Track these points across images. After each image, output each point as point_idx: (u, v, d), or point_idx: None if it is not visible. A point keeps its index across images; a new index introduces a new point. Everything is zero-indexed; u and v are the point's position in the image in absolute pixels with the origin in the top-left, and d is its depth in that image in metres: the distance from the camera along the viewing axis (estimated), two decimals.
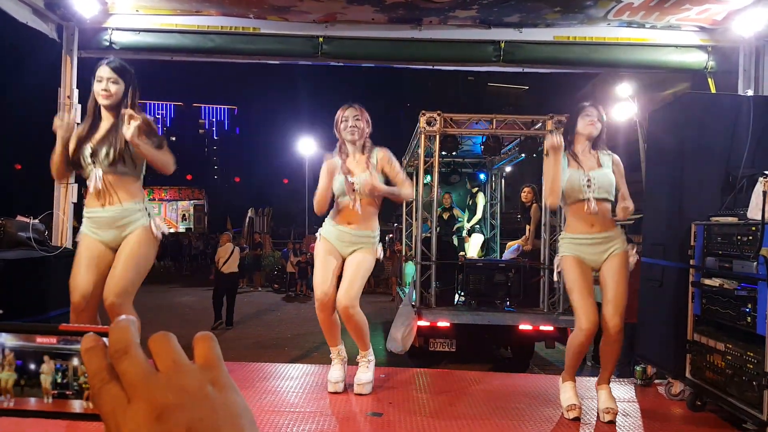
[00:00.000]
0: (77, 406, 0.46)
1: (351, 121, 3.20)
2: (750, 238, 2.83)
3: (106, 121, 2.80)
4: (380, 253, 3.35)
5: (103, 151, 2.71)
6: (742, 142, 3.34)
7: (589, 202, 3.00)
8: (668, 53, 4.56)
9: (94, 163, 2.72)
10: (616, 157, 3.17)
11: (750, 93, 4.08)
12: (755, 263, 2.74)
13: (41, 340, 0.46)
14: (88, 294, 2.71)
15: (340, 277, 3.27)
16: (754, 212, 2.85)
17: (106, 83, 2.74)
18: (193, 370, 0.43)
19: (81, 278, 2.72)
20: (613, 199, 3.10)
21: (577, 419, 2.98)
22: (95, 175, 2.71)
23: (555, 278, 3.32)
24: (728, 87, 4.49)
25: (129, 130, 2.59)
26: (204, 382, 0.43)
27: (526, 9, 4.21)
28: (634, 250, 3.15)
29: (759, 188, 2.81)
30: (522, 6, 4.14)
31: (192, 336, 0.46)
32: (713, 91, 4.49)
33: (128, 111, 2.63)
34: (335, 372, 3.34)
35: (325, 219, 3.35)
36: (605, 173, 3.07)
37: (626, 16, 4.25)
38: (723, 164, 3.40)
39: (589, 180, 3.02)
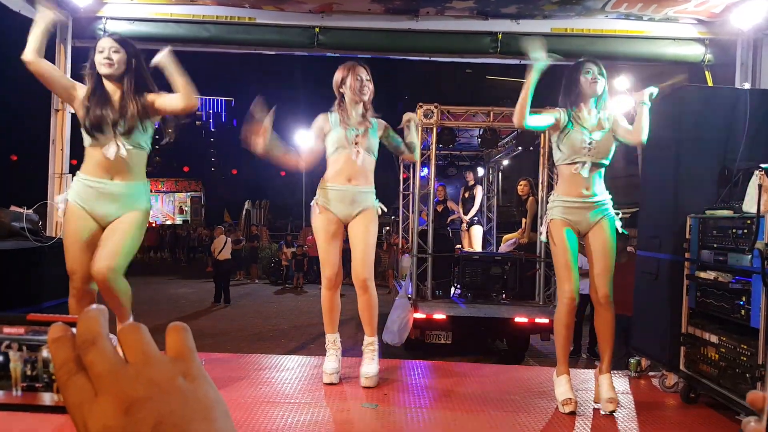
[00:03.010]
0: (47, 398, 0.45)
1: (364, 81, 3.16)
2: (745, 231, 2.83)
3: (115, 94, 2.74)
4: (380, 210, 3.27)
5: (122, 122, 2.68)
6: (738, 135, 3.33)
7: (586, 165, 2.95)
8: (666, 46, 4.54)
9: (115, 133, 2.68)
10: (617, 113, 3.08)
11: (747, 86, 4.07)
12: (750, 256, 2.74)
13: (9, 331, 0.44)
14: (86, 276, 2.67)
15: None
16: (749, 205, 2.84)
17: (108, 52, 2.70)
18: (163, 361, 0.42)
19: (76, 261, 2.68)
20: (608, 164, 3.04)
21: (572, 413, 2.97)
22: (118, 145, 2.66)
23: (542, 239, 3.27)
24: (726, 80, 4.47)
25: (159, 56, 2.69)
26: (175, 374, 0.41)
27: (524, 0, 4.18)
28: (619, 216, 3.10)
29: (754, 181, 2.80)
30: None
31: (189, 326, 0.45)
32: (710, 84, 4.47)
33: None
34: (331, 363, 3.30)
35: (319, 186, 3.25)
36: (608, 137, 2.99)
37: (624, 8, 4.23)
38: (719, 157, 3.40)
39: (590, 142, 2.95)
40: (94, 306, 0.43)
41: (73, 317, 0.43)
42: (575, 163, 2.97)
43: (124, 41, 2.78)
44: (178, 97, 2.75)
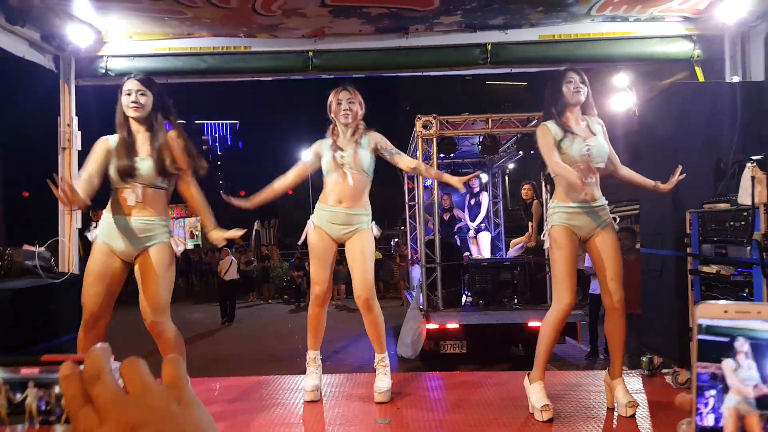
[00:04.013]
0: (59, 430, 0.51)
1: (345, 104, 3.21)
2: (742, 223, 2.86)
3: (141, 135, 2.85)
4: (377, 231, 3.31)
5: (145, 165, 2.78)
6: (730, 128, 3.37)
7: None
8: (654, 45, 4.59)
9: (135, 177, 2.78)
10: (603, 124, 3.11)
11: (736, 79, 4.10)
12: (749, 248, 2.77)
13: (25, 371, 0.51)
14: (97, 312, 2.76)
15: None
16: (743, 197, 2.88)
17: (135, 95, 2.79)
18: (159, 390, 0.48)
19: (90, 298, 2.77)
20: (604, 166, 3.05)
21: (551, 420, 2.91)
22: (137, 191, 2.77)
23: (545, 246, 3.27)
24: (718, 74, 4.51)
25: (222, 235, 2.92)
26: (170, 401, 0.48)
27: (510, 11, 4.26)
28: (617, 222, 3.12)
29: (747, 173, 2.84)
30: (505, 8, 4.20)
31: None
32: (701, 79, 4.51)
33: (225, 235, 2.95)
34: (311, 380, 3.33)
35: (315, 205, 3.33)
36: (600, 142, 3.02)
37: (609, 11, 4.29)
38: (714, 151, 3.43)
39: (588, 149, 2.96)
40: (99, 345, 0.50)
41: (80, 356, 0.50)
42: (578, 171, 2.93)
43: (149, 81, 2.87)
44: (192, 200, 2.94)
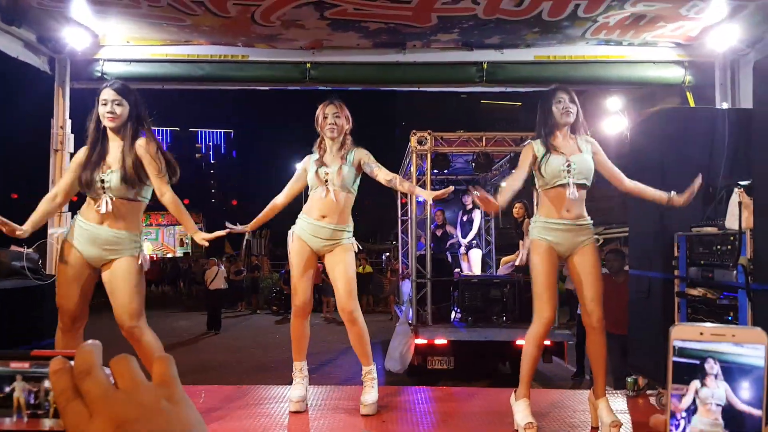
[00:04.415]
0: (48, 424, 0.51)
1: (330, 118, 3.23)
2: (729, 247, 2.90)
3: (114, 143, 2.83)
4: (356, 248, 3.32)
5: (115, 177, 2.75)
6: (719, 153, 3.42)
7: (569, 187, 2.95)
8: (646, 69, 4.67)
9: (104, 189, 2.76)
10: (596, 142, 3.10)
11: (726, 106, 4.18)
12: (735, 272, 2.80)
13: (15, 365, 0.51)
14: (75, 315, 2.77)
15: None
16: (731, 222, 2.92)
17: (111, 105, 2.77)
18: (149, 387, 0.49)
19: (66, 299, 2.77)
20: (590, 185, 3.04)
21: None
22: (105, 201, 2.75)
23: (524, 260, 3.30)
24: (708, 100, 4.59)
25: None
26: (159, 398, 0.48)
27: (506, 30, 4.33)
28: (599, 243, 3.12)
29: (735, 199, 2.88)
30: (501, 28, 4.27)
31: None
32: (692, 104, 4.59)
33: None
34: (297, 391, 3.33)
35: (299, 216, 3.34)
36: (585, 159, 3.01)
37: (603, 34, 4.37)
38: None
39: (569, 164, 2.95)
40: (90, 341, 0.50)
41: (71, 351, 0.50)
42: (558, 186, 2.99)
43: (125, 91, 2.85)
44: (165, 200, 2.91)
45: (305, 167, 3.35)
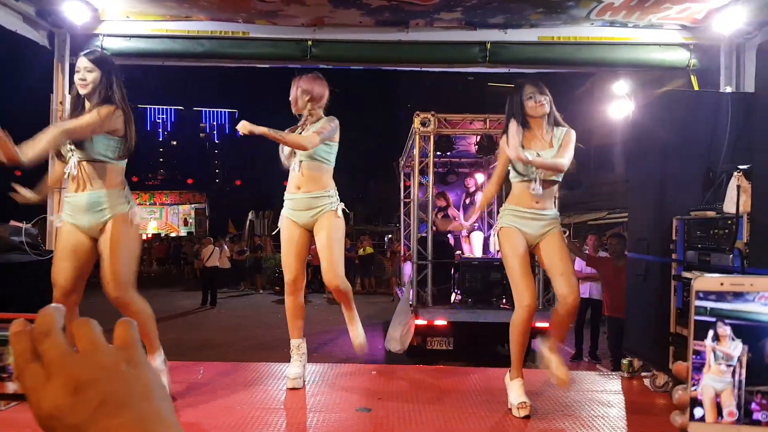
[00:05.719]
0: (11, 387, 0.52)
1: (298, 93, 3.28)
2: (726, 231, 2.89)
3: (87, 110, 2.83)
4: (340, 212, 3.25)
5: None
6: (721, 138, 3.39)
7: (535, 182, 2.96)
8: (651, 51, 4.61)
9: (72, 151, 2.77)
10: (570, 131, 3.05)
11: (729, 90, 4.13)
12: (731, 256, 2.80)
13: None
14: (68, 290, 2.76)
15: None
16: (729, 206, 2.90)
17: (82, 72, 2.77)
18: (109, 349, 0.49)
19: (60, 273, 2.77)
20: (560, 179, 3.04)
21: (527, 417, 2.93)
22: (72, 164, 2.77)
23: (494, 246, 3.30)
24: (713, 84, 4.54)
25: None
26: (119, 360, 0.48)
27: (510, 10, 4.27)
28: (566, 234, 3.14)
29: (733, 183, 2.86)
30: (506, 7, 4.20)
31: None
32: (696, 87, 4.54)
33: None
34: (294, 368, 3.36)
35: None
36: (554, 154, 2.98)
37: (608, 15, 4.31)
38: (704, 160, 3.46)
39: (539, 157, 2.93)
40: (53, 305, 0.50)
41: (33, 315, 0.51)
42: (526, 180, 3.00)
43: (100, 60, 2.83)
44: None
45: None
